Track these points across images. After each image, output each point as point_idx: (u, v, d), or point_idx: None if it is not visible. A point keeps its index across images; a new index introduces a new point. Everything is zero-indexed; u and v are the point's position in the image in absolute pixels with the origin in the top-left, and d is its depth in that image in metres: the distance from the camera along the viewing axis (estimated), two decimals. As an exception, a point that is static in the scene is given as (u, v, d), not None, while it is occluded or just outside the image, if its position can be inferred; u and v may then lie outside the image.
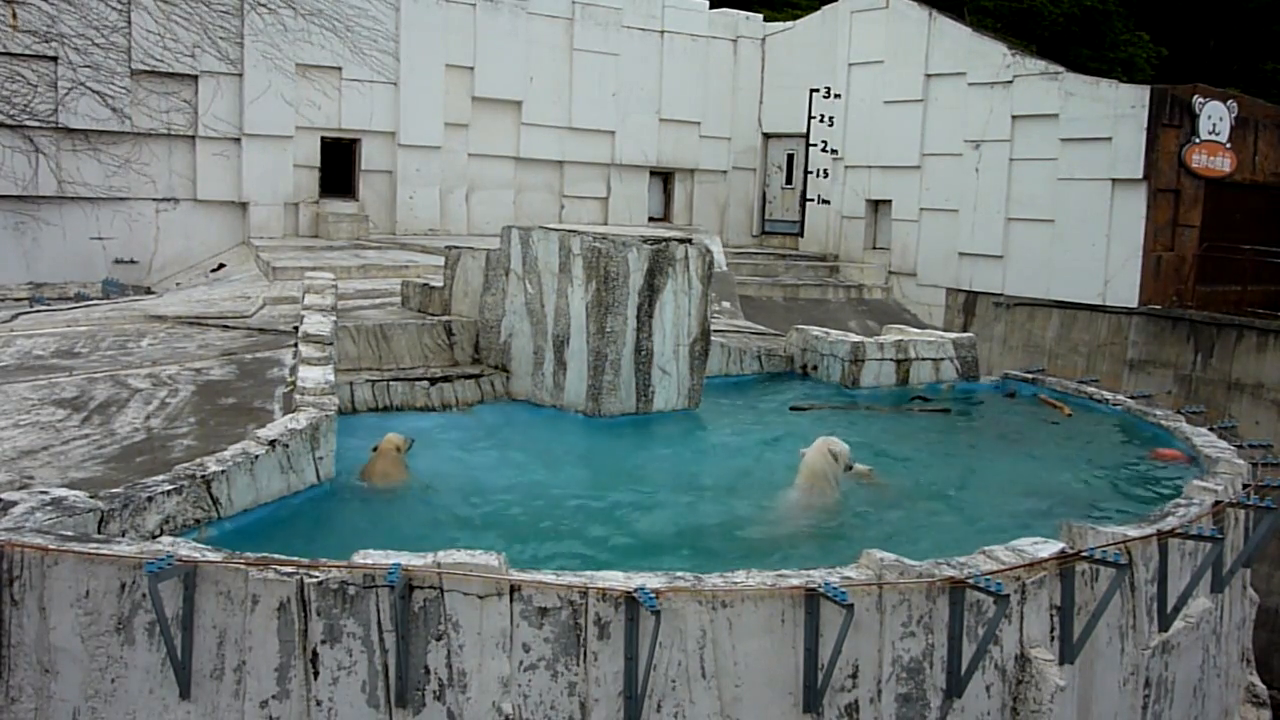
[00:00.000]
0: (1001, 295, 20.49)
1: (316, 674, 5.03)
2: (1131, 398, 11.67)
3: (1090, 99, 19.13)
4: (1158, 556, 6.50)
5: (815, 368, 12.68)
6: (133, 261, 17.57)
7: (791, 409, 11.31)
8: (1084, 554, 5.95)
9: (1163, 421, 10.44)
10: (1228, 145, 19.55)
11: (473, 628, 5.08)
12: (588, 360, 10.22)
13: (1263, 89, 27.76)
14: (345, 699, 5.04)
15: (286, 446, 7.08)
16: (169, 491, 6.13)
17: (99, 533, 5.60)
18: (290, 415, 7.57)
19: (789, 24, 24.57)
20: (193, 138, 17.87)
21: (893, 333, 13.83)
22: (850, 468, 8.45)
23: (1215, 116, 19.26)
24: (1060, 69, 19.94)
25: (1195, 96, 18.95)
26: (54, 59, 16.51)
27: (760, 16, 24.75)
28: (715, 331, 11.79)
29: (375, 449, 8.37)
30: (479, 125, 20.94)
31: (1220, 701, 7.78)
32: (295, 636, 5.01)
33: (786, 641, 5.33)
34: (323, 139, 19.25)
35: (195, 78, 17.71)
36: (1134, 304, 18.83)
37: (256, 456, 6.82)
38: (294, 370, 8.92)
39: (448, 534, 7.03)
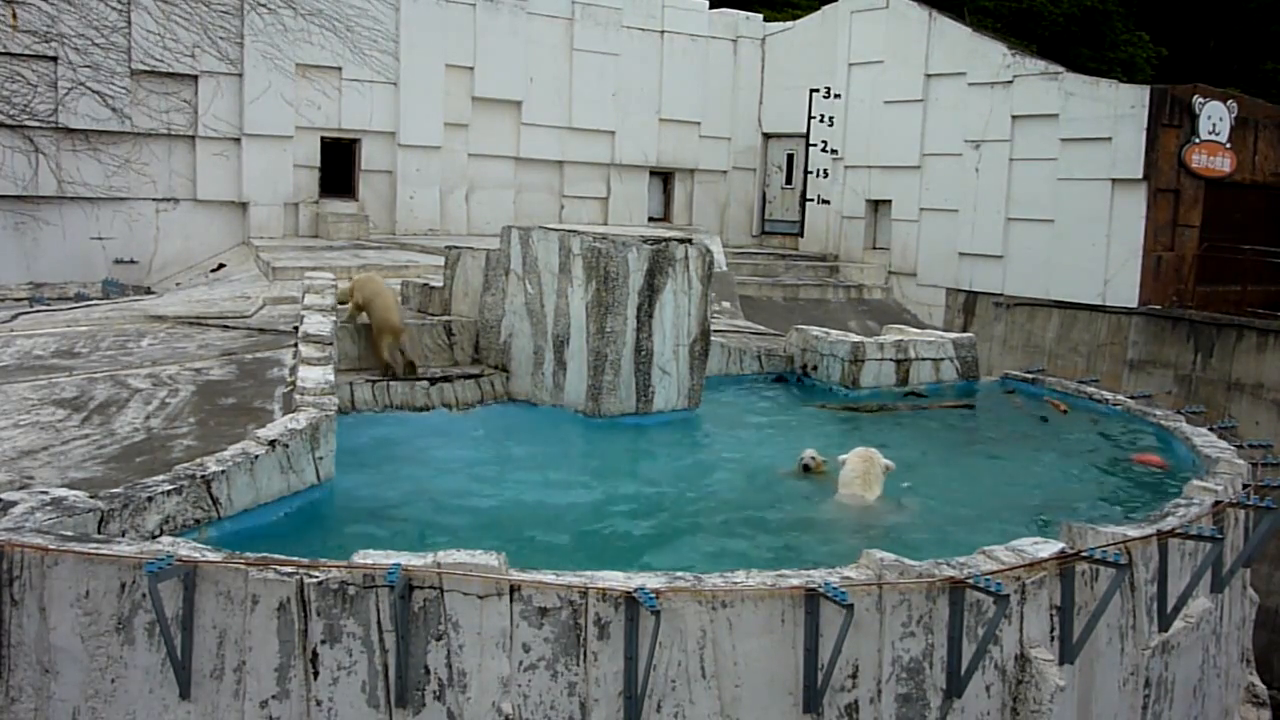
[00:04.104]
0: (1001, 295, 20.48)
1: (316, 674, 5.03)
2: (1131, 398, 11.67)
3: (1090, 99, 19.13)
4: (1158, 556, 6.49)
5: (815, 368, 12.68)
6: (133, 261, 17.57)
7: (820, 406, 11.59)
8: (1084, 554, 5.95)
9: (1163, 422, 10.43)
10: (1228, 145, 19.54)
11: (473, 628, 5.08)
12: (588, 360, 10.22)
13: (1263, 89, 27.77)
14: (345, 699, 5.04)
15: (286, 446, 7.07)
16: (169, 491, 6.13)
17: (99, 533, 5.60)
18: (290, 415, 7.56)
19: (789, 24, 24.56)
20: (193, 138, 17.88)
21: (893, 333, 13.82)
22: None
23: (1215, 116, 19.25)
24: (1060, 69, 19.94)
25: (1195, 96, 18.95)
26: (54, 59, 16.52)
27: (760, 16, 24.74)
28: (715, 331, 11.78)
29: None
30: (479, 125, 20.94)
31: (1220, 701, 7.78)
32: (295, 636, 5.01)
33: (786, 641, 5.33)
34: (323, 139, 19.25)
35: (195, 78, 17.71)
36: (1134, 304, 18.82)
37: (256, 456, 6.82)
38: (294, 370, 8.91)
39: (448, 534, 7.03)
